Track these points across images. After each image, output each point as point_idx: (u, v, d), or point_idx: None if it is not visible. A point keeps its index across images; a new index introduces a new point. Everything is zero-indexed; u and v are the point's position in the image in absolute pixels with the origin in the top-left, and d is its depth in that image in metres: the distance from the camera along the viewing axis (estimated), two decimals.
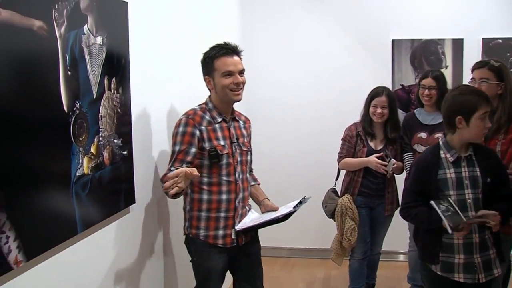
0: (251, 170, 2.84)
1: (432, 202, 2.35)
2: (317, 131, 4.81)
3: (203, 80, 2.58)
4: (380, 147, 3.52)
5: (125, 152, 2.28)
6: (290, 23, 4.84)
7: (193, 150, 2.42)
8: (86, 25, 1.95)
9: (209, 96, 2.60)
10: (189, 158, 2.40)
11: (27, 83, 1.61)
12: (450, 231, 2.31)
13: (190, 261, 2.64)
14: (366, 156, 3.47)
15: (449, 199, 2.37)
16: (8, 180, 1.52)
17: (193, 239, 2.56)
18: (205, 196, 2.50)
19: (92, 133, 1.99)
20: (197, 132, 2.43)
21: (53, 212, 1.76)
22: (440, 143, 2.54)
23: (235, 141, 2.56)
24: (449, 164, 2.48)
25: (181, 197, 2.55)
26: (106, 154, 2.10)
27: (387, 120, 3.49)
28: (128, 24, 2.32)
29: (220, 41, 2.59)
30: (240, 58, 2.55)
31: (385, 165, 3.37)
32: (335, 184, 3.76)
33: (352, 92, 4.42)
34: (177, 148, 2.42)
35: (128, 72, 2.31)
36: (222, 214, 2.52)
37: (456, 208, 2.32)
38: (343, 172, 3.74)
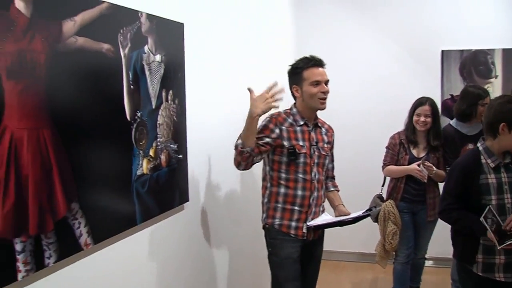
0: (333, 177, 3.05)
1: (482, 220, 2.41)
2: (365, 138, 4.93)
3: (289, 89, 2.78)
4: (422, 154, 3.63)
5: (180, 156, 2.56)
6: (341, 34, 5.02)
7: (267, 140, 2.61)
8: (146, 45, 2.24)
9: (294, 103, 2.80)
10: (260, 142, 2.58)
11: (97, 96, 1.91)
12: (498, 247, 2.40)
13: (267, 256, 2.83)
14: (408, 164, 3.59)
15: (491, 208, 2.43)
16: (81, 176, 1.82)
17: (269, 229, 2.78)
18: (282, 190, 2.70)
19: (151, 138, 2.27)
20: (277, 130, 2.64)
21: (116, 205, 2.05)
22: (480, 148, 2.59)
23: (314, 144, 2.74)
24: (490, 169, 2.54)
25: (260, 193, 2.84)
26: (163, 157, 2.38)
27: (430, 129, 3.60)
28: (184, 42, 2.59)
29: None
30: (325, 69, 2.75)
31: (425, 171, 3.47)
32: (381, 190, 3.89)
33: (400, 101, 4.48)
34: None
35: (184, 85, 2.59)
36: (296, 208, 2.70)
37: (497, 217, 2.41)
38: (388, 179, 3.87)
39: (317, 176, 2.76)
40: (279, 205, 2.72)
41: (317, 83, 2.66)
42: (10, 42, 1.51)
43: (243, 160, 2.50)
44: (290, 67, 2.81)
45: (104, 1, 1.93)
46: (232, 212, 3.40)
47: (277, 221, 2.72)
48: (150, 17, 2.25)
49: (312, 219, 2.75)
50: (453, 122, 3.73)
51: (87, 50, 1.84)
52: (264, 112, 2.46)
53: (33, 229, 1.61)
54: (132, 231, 2.18)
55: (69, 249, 1.78)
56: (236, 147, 2.50)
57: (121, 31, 2.04)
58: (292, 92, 2.78)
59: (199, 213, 2.87)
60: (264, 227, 2.83)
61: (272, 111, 2.62)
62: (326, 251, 2.99)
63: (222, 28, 3.15)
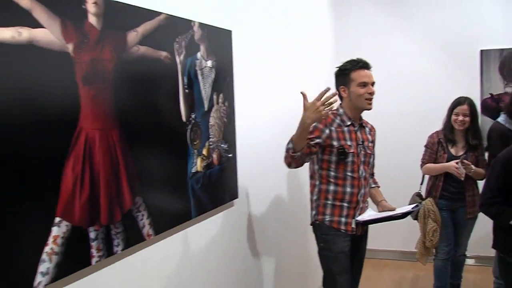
0: (372, 174, 3.14)
1: None
2: (404, 137, 5.00)
3: (336, 89, 2.85)
4: (461, 153, 3.67)
5: (231, 155, 2.71)
6: (380, 35, 5.10)
7: (317, 141, 2.70)
8: (199, 52, 2.40)
9: (340, 104, 2.89)
10: (312, 143, 2.66)
11: (157, 100, 2.08)
12: None
13: (318, 251, 2.93)
14: (447, 162, 3.65)
15: None
16: (144, 173, 1.99)
17: (319, 225, 2.87)
18: (331, 187, 2.80)
19: (204, 138, 2.43)
20: (327, 131, 2.73)
21: (174, 199, 2.22)
22: None
23: (361, 143, 2.85)
24: None
25: (305, 191, 2.97)
26: (215, 156, 2.54)
27: (468, 128, 3.65)
28: (232, 48, 2.74)
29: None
30: (371, 71, 2.85)
31: (463, 168, 3.51)
32: (420, 188, 3.94)
33: (439, 101, 4.50)
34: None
35: (233, 88, 2.74)
36: (345, 204, 2.80)
37: None
38: (427, 177, 3.92)
39: (363, 174, 2.86)
40: (329, 202, 2.82)
41: (364, 84, 2.76)
42: (85, 52, 1.69)
43: (294, 162, 2.60)
44: (337, 68, 2.90)
45: (161, 13, 2.10)
46: (279, 208, 3.53)
47: (327, 217, 2.82)
48: (201, 25, 2.41)
49: (359, 214, 2.87)
50: (501, 119, 3.72)
51: (148, 57, 2.01)
52: (315, 122, 2.52)
53: (104, 219, 1.78)
54: (188, 224, 2.34)
55: (134, 238, 1.95)
56: (287, 150, 2.59)
57: (177, 39, 2.21)
58: (339, 92, 2.85)
59: (247, 209, 3.02)
60: (313, 223, 2.93)
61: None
62: (367, 250, 3.10)
63: (267, 34, 3.29)
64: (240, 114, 2.83)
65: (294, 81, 3.69)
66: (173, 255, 2.27)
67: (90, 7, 1.72)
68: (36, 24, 1.50)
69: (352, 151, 2.78)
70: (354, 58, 2.86)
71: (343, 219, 2.81)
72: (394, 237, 5.10)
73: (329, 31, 5.01)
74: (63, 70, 1.60)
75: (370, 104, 2.79)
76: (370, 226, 3.03)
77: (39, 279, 1.53)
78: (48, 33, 1.54)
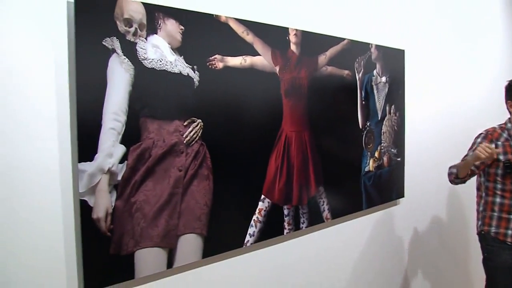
0: None
1: None
2: None
3: (505, 104, 2.82)
4: None
5: (399, 159, 3.02)
6: None
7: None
8: (375, 70, 2.77)
9: (509, 118, 2.80)
10: (477, 162, 2.66)
11: (340, 109, 2.50)
12: None
13: (482, 260, 2.88)
14: None
15: None
16: (326, 167, 2.43)
17: (485, 236, 2.83)
18: (498, 199, 2.76)
19: (376, 143, 2.79)
20: (493, 146, 2.61)
21: (349, 191, 2.61)
22: None
23: None
24: None
25: (471, 201, 2.99)
26: (385, 159, 2.88)
27: None
28: (404, 65, 3.04)
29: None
30: None
31: None
32: None
33: None
34: (469, 152, 2.76)
35: (403, 101, 3.03)
36: None
37: None
38: None
39: None
40: (495, 214, 2.78)
41: None
42: (287, 72, 2.18)
43: (455, 184, 2.78)
44: (507, 82, 2.84)
45: (345, 38, 2.52)
46: (442, 214, 3.67)
47: (493, 229, 2.79)
48: (378, 47, 2.77)
49: None
50: None
51: (333, 75, 2.45)
52: (485, 160, 2.60)
53: (295, 201, 2.26)
54: (359, 214, 2.72)
55: (315, 219, 2.40)
56: (449, 174, 2.76)
57: (357, 59, 2.61)
58: (507, 107, 2.81)
59: (412, 209, 3.26)
60: (479, 233, 2.90)
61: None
62: None
63: (437, 50, 3.49)
64: (409, 123, 3.10)
65: (463, 95, 3.80)
66: (345, 238, 2.66)
67: (292, 38, 2.21)
68: (255, 53, 2.03)
69: None
70: None
71: (509, 232, 2.74)
72: None
73: (502, 43, 4.92)
74: (272, 86, 2.12)
75: None
76: None
77: (247, 238, 2.06)
78: (263, 59, 2.07)
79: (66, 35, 1.51)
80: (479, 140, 2.78)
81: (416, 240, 3.35)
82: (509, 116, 2.82)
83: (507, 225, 2.75)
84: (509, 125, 2.80)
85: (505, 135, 2.77)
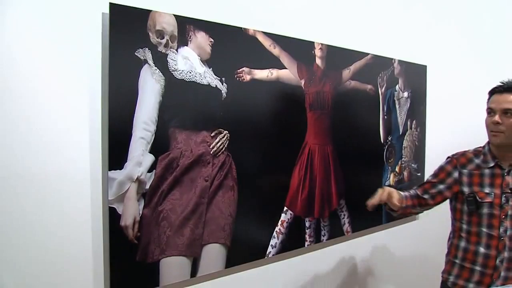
0: None
1: None
2: None
3: None
4: None
5: (419, 174, 2.98)
6: None
7: (441, 187, 2.14)
8: (397, 85, 2.74)
9: (488, 141, 2.18)
10: (433, 191, 2.16)
11: (361, 123, 2.49)
12: None
13: None
14: None
15: None
16: (347, 180, 2.40)
17: (442, 283, 2.25)
18: (462, 244, 2.14)
19: (397, 158, 2.76)
20: (455, 174, 2.12)
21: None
22: None
23: (509, 191, 2.03)
24: None
25: None
26: (405, 173, 2.85)
27: None
28: (427, 80, 3.02)
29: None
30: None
31: None
32: None
33: None
34: (429, 178, 2.23)
35: (425, 116, 3.01)
36: (478, 268, 2.07)
37: None
38: None
39: (509, 232, 2.02)
40: (457, 262, 2.16)
41: (489, 111, 2.09)
42: (312, 86, 2.17)
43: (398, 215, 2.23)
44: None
45: (368, 53, 2.50)
46: None
47: (451, 279, 2.18)
48: (400, 62, 2.75)
49: (502, 285, 2.05)
50: None
51: (356, 90, 2.43)
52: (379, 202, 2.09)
53: (317, 213, 2.24)
54: (379, 228, 2.69)
55: (336, 232, 2.37)
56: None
57: (380, 74, 2.59)
58: None
59: (431, 224, 3.20)
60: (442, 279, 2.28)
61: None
62: None
63: (459, 66, 3.45)
64: (430, 138, 3.07)
65: (484, 111, 3.75)
66: (364, 252, 2.63)
67: (317, 52, 2.20)
68: (281, 66, 2.03)
69: (488, 200, 2.03)
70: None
71: (470, 285, 2.09)
72: None
73: None
74: (297, 99, 2.11)
75: (494, 136, 2.03)
76: None
77: (269, 250, 2.04)
78: (289, 73, 2.06)
79: (100, 45, 1.52)
80: (442, 164, 2.22)
81: (435, 255, 3.29)
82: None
83: (469, 277, 2.10)
84: (486, 148, 2.15)
85: (477, 161, 2.12)
